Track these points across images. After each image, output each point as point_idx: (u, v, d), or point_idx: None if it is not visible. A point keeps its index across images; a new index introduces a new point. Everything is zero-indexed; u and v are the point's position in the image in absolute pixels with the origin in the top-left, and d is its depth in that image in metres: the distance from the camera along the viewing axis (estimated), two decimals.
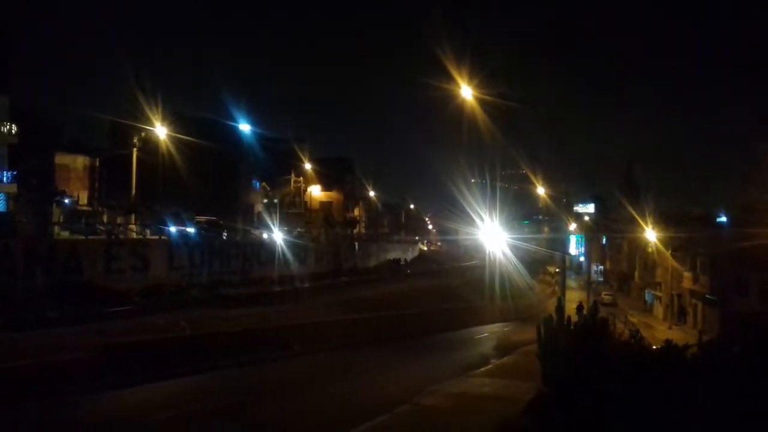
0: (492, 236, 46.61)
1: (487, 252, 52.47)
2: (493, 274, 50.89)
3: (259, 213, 66.86)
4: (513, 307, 49.82)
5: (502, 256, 50.43)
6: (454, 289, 54.45)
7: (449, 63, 26.67)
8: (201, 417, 14.31)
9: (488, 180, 75.41)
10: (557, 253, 65.54)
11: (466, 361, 23.06)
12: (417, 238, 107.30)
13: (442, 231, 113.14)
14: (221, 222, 51.42)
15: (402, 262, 77.81)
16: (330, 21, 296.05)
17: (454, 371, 19.93)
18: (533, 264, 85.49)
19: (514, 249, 57.43)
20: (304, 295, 42.10)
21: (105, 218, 46.96)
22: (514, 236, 59.01)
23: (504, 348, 28.79)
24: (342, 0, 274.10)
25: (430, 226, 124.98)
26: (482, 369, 21.01)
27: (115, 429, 13.48)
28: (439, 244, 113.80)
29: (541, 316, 14.09)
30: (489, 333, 38.56)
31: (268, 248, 50.18)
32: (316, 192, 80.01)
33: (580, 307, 13.70)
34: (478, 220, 47.92)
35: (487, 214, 46.73)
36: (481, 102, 28.99)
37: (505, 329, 41.25)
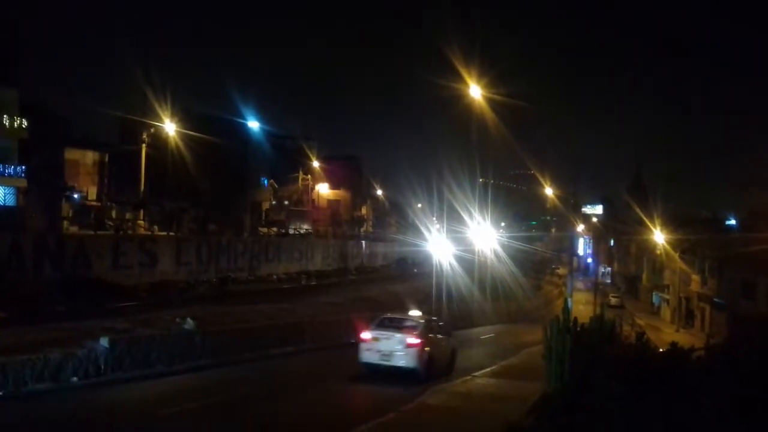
0: (483, 236, 46.33)
1: (477, 251, 52.02)
2: (489, 277, 50.70)
3: (267, 210, 67.07)
4: (506, 308, 49.69)
5: (494, 257, 50.13)
6: (460, 289, 54.37)
7: (458, 63, 26.78)
8: (208, 412, 14.35)
9: (481, 180, 75.31)
10: (562, 254, 65.30)
11: (471, 361, 23.01)
12: (424, 235, 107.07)
13: (449, 230, 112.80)
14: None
15: (409, 261, 77.82)
16: (338, 20, 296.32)
17: (459, 371, 19.93)
18: (538, 265, 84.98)
19: (515, 250, 56.88)
20: (311, 293, 42.18)
21: (114, 214, 47.15)
22: (511, 235, 58.32)
23: (509, 348, 28.73)
24: None
25: (437, 225, 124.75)
26: (487, 369, 20.96)
27: (120, 424, 13.54)
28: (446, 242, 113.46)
29: (548, 317, 14.07)
30: (494, 333, 38.52)
31: (275, 246, 50.32)
32: (324, 190, 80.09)
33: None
34: (479, 221, 47.82)
35: (480, 214, 46.60)
36: (490, 101, 29.07)
37: (511, 329, 41.17)
